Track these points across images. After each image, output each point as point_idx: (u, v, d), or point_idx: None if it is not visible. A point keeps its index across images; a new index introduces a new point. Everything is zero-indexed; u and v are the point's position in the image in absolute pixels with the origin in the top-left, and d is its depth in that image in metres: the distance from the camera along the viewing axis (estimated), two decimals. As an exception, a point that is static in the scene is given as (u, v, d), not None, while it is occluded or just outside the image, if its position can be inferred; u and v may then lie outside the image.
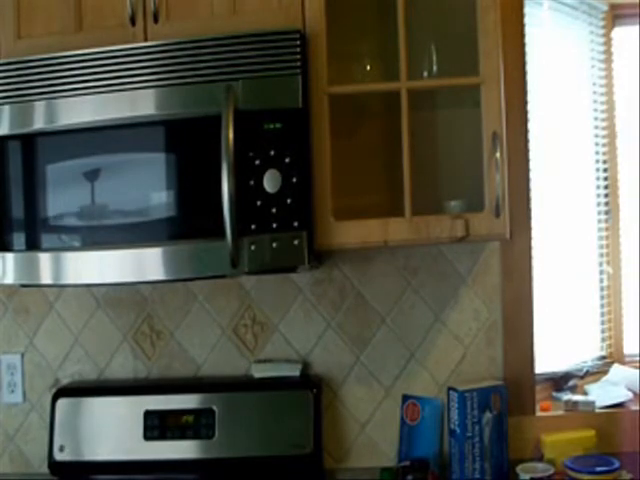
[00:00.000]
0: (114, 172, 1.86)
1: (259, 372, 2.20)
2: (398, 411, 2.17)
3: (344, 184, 1.91)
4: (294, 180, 1.77)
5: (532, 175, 2.16)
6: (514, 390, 2.11)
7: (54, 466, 2.16)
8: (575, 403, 2.17)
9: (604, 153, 2.43)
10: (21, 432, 2.35)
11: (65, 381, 2.31)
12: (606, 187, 2.43)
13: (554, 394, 2.27)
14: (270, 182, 1.77)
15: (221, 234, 1.74)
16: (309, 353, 2.22)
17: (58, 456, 2.16)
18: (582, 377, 2.32)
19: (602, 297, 2.42)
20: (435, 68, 2.01)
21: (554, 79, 2.35)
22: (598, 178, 2.43)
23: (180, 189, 1.84)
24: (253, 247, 1.77)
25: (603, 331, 2.42)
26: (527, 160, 2.14)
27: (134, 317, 2.30)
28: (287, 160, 1.77)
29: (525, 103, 2.14)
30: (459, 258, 2.17)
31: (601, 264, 2.42)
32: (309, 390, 2.11)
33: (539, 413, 2.17)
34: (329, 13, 1.86)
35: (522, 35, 2.13)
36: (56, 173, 1.89)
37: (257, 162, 1.77)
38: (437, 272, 2.18)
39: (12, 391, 2.35)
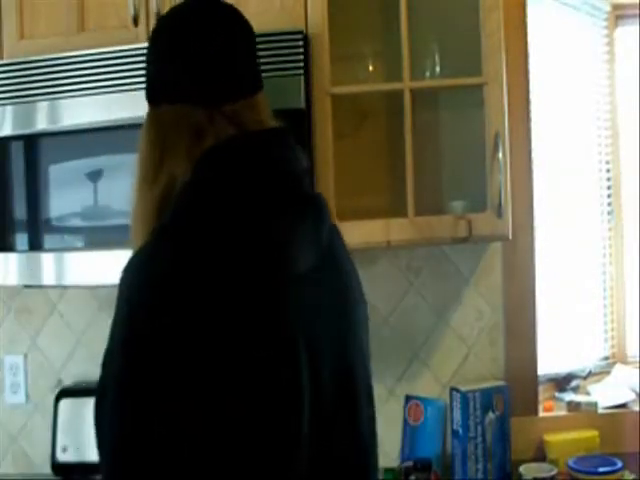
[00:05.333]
0: (117, 172, 1.86)
1: (262, 372, 2.19)
2: (401, 412, 2.17)
3: (346, 184, 1.91)
4: (297, 180, 1.77)
5: (535, 175, 2.16)
6: (517, 390, 2.11)
7: (57, 467, 2.17)
8: (578, 404, 2.17)
9: (607, 153, 2.43)
10: (24, 433, 2.36)
11: (68, 382, 2.31)
12: (609, 187, 2.43)
13: (557, 394, 2.27)
14: (273, 182, 1.77)
15: (224, 234, 1.73)
16: (312, 353, 2.22)
17: (61, 457, 2.16)
18: (585, 378, 2.31)
19: (605, 297, 2.42)
20: (438, 68, 2.01)
21: (557, 79, 2.35)
22: (601, 178, 2.43)
23: (183, 189, 1.84)
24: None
25: (606, 331, 2.42)
26: (530, 160, 2.14)
27: (137, 317, 2.29)
28: (290, 160, 1.77)
29: (528, 103, 2.14)
30: (462, 258, 2.17)
31: (604, 264, 2.42)
32: (312, 390, 2.11)
33: (542, 413, 2.17)
34: (331, 14, 1.86)
35: (525, 35, 2.13)
36: (59, 173, 1.89)
37: (260, 162, 1.77)
38: (440, 272, 2.18)
39: (15, 392, 2.36)
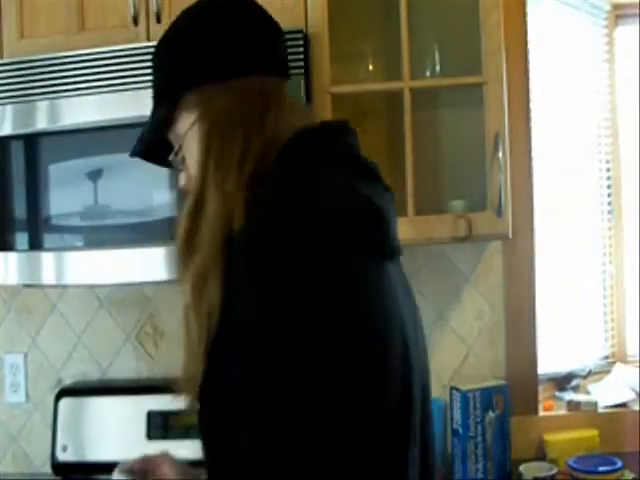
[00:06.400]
0: (117, 172, 1.86)
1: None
2: (401, 411, 2.17)
3: (347, 184, 1.90)
4: (297, 180, 1.77)
5: (535, 175, 2.16)
6: (517, 390, 2.11)
7: (57, 466, 2.17)
8: (578, 403, 2.17)
9: (607, 153, 2.43)
10: (24, 432, 2.36)
11: (68, 381, 2.32)
12: (609, 187, 2.43)
13: (557, 394, 2.27)
14: (273, 182, 1.77)
15: (224, 234, 1.73)
16: (312, 353, 2.22)
17: (61, 456, 2.16)
18: (585, 377, 2.32)
19: (605, 296, 2.42)
20: (438, 68, 2.02)
21: (557, 78, 2.35)
22: (601, 178, 2.43)
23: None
24: (256, 247, 1.77)
25: (606, 330, 2.42)
26: (530, 159, 2.14)
27: (137, 317, 2.30)
28: (290, 160, 1.77)
29: (528, 102, 2.14)
30: (461, 258, 2.17)
31: (604, 264, 2.42)
32: (312, 390, 2.11)
33: (542, 413, 2.17)
34: (331, 13, 1.86)
35: (525, 35, 2.13)
36: (59, 173, 1.89)
37: (260, 162, 1.77)
38: (440, 272, 2.18)
39: (15, 391, 2.36)
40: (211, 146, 1.04)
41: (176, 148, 1.11)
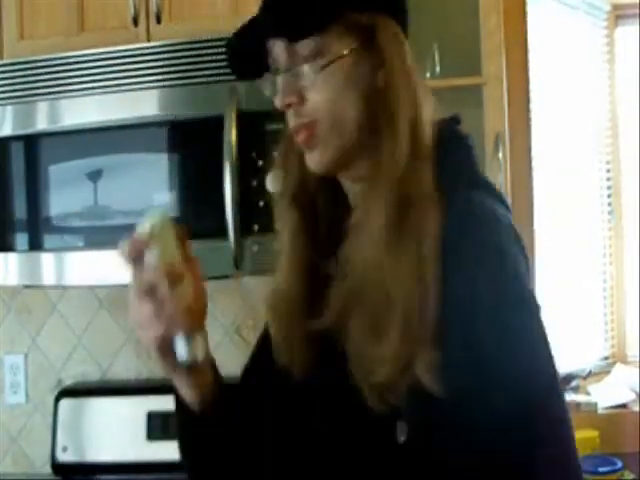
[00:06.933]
0: (117, 172, 1.86)
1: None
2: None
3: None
4: (297, 180, 1.77)
5: (535, 174, 2.16)
6: (517, 390, 2.10)
7: (57, 467, 2.17)
8: (578, 404, 2.16)
9: (607, 153, 2.43)
10: (24, 433, 2.35)
11: (68, 381, 2.31)
12: (609, 187, 2.43)
13: (557, 394, 2.27)
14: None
15: (224, 235, 1.74)
16: (312, 353, 2.22)
17: (61, 457, 2.16)
18: (585, 378, 2.31)
19: (605, 297, 2.42)
20: (437, 68, 2.01)
21: (557, 79, 2.35)
22: (601, 178, 2.43)
23: (183, 189, 1.84)
24: (256, 248, 1.77)
25: (606, 331, 2.42)
26: (530, 160, 2.14)
27: (137, 317, 2.29)
28: (290, 160, 1.77)
29: (528, 102, 2.13)
30: (462, 258, 2.16)
31: (604, 264, 2.42)
32: (312, 390, 2.11)
33: (542, 413, 2.16)
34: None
35: (525, 35, 2.12)
36: (59, 173, 1.89)
37: (260, 163, 1.77)
38: (440, 272, 2.17)
39: (15, 392, 2.35)
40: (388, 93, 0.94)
41: (292, 62, 0.96)
